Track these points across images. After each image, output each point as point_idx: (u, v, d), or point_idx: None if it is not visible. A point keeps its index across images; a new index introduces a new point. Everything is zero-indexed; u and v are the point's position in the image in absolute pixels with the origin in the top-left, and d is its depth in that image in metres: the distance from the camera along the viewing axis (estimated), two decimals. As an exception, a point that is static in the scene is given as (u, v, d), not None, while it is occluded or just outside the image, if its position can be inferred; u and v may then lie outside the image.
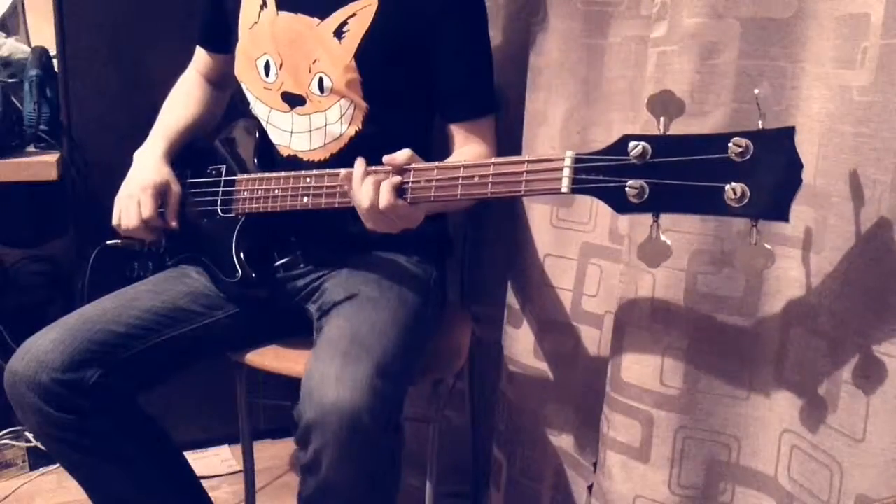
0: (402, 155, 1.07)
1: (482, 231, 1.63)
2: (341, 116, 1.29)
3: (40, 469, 1.84)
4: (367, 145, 1.26)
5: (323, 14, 1.28)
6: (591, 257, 1.34)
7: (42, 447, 1.44)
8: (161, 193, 1.32)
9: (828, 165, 0.95)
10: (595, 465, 1.32)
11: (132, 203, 1.30)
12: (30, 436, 1.83)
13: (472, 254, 1.63)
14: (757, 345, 1.07)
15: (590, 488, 1.35)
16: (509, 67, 1.44)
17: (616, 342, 1.18)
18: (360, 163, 1.10)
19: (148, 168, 1.34)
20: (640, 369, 1.14)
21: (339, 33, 1.27)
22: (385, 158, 1.08)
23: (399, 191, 1.07)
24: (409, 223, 1.11)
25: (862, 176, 0.90)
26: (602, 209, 1.31)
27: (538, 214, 1.40)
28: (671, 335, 1.11)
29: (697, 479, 1.12)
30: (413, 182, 1.07)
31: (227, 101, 1.54)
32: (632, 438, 1.16)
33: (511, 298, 1.48)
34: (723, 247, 1.06)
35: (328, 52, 1.27)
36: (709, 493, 1.12)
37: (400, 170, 1.07)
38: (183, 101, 1.47)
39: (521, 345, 1.46)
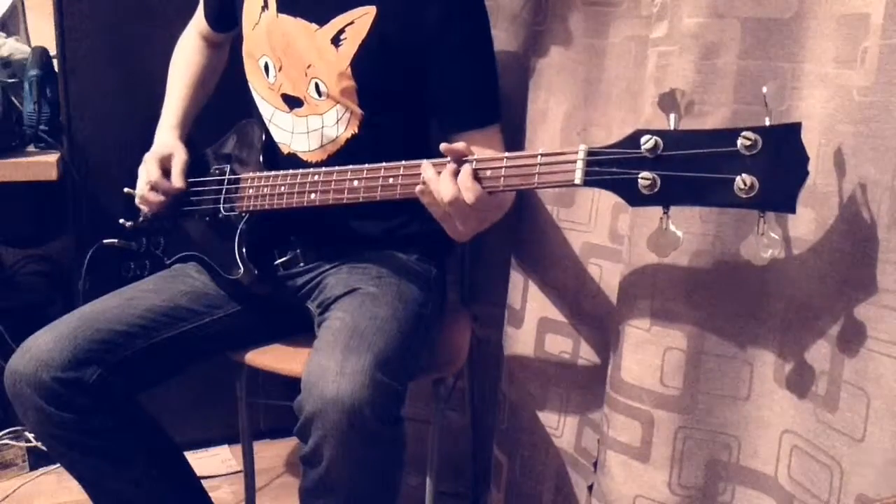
0: (460, 144, 1.05)
1: (482, 231, 1.62)
2: (337, 120, 1.29)
3: (40, 469, 1.84)
4: (363, 148, 1.27)
5: (322, 20, 1.27)
6: (591, 257, 1.34)
7: (42, 447, 1.44)
8: (165, 160, 1.37)
9: (828, 166, 0.95)
10: (595, 464, 1.32)
11: (142, 172, 1.37)
12: (30, 436, 1.83)
13: (472, 254, 1.63)
14: (757, 344, 1.07)
15: (590, 488, 1.35)
16: (510, 68, 1.44)
17: (616, 342, 1.18)
18: (426, 163, 1.07)
19: (157, 142, 1.42)
20: (640, 369, 1.14)
21: (336, 41, 1.26)
22: (443, 147, 1.05)
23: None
24: (488, 217, 1.11)
25: (862, 176, 0.91)
26: (602, 209, 1.31)
27: (538, 214, 1.40)
28: (671, 335, 1.11)
29: (697, 479, 1.12)
30: (492, 169, 1.03)
31: (227, 56, 1.57)
32: (632, 438, 1.16)
33: (511, 298, 1.48)
34: (723, 247, 1.06)
35: (324, 58, 1.27)
36: (709, 493, 1.12)
37: (460, 160, 1.04)
38: (185, 69, 1.52)
39: (521, 345, 1.46)
